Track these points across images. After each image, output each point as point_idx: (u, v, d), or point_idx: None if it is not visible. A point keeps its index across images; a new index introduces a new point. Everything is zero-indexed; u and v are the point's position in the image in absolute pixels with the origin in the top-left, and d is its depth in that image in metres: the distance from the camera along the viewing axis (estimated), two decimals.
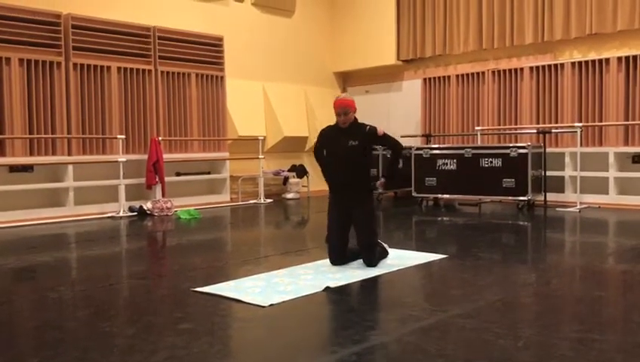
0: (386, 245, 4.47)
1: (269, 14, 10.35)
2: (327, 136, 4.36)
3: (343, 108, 4.18)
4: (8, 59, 6.98)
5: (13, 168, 7.15)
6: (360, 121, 4.32)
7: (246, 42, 9.95)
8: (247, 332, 2.81)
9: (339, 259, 4.25)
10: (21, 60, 7.10)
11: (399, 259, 4.44)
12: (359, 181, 4.26)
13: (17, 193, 7.16)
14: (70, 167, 7.44)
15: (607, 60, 8.12)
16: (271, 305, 3.21)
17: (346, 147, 4.20)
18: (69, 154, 7.53)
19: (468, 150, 8.07)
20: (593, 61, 8.26)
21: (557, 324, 2.84)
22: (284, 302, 3.27)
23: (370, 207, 4.31)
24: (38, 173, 7.37)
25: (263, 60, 10.21)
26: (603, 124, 8.03)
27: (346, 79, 11.63)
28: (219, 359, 2.42)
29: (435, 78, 10.03)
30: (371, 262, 4.18)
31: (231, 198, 9.30)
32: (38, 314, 3.16)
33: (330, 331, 2.74)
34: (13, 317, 3.13)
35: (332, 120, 4.32)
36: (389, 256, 4.43)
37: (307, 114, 10.59)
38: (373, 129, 4.24)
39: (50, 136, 7.31)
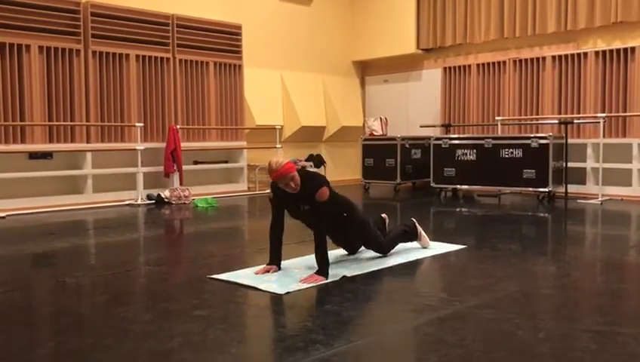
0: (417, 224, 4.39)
1: (287, 2, 10.29)
2: (279, 195, 3.64)
3: (282, 179, 3.44)
4: (28, 47, 7.03)
5: (33, 155, 7.21)
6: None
7: (264, 31, 9.91)
8: (262, 320, 2.79)
9: (351, 251, 4.21)
10: (41, 48, 7.14)
11: (416, 249, 4.40)
12: (333, 228, 3.89)
13: (36, 180, 7.23)
14: (89, 155, 7.49)
15: (633, 49, 7.94)
16: (287, 293, 3.19)
17: (300, 211, 3.63)
18: (88, 141, 7.57)
19: (488, 140, 7.96)
20: (618, 50, 8.09)
21: (578, 316, 2.78)
22: (300, 290, 3.25)
23: (358, 221, 3.93)
24: (57, 161, 7.43)
25: (281, 49, 10.17)
26: (627, 114, 7.87)
27: (364, 68, 11.54)
28: (234, 346, 2.40)
29: (455, 67, 9.91)
30: (383, 252, 4.12)
31: (248, 187, 9.30)
32: (54, 299, 3.17)
33: (347, 320, 2.70)
34: (30, 302, 3.14)
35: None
36: (407, 242, 4.38)
37: (325, 103, 10.53)
38: (317, 192, 3.48)
39: (69, 123, 7.35)
